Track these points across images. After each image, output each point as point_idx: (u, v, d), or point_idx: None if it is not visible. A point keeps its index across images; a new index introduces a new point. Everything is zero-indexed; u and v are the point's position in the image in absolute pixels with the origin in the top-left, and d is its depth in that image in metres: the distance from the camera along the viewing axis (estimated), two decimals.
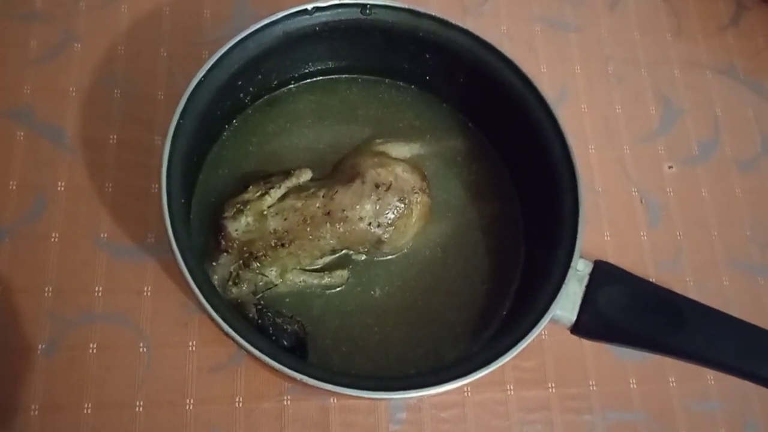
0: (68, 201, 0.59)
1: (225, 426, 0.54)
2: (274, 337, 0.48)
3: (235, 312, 0.48)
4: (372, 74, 0.60)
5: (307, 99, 0.58)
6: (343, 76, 0.59)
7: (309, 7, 0.51)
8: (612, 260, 0.51)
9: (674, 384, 0.62)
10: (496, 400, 0.58)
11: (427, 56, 0.56)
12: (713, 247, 0.67)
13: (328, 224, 0.50)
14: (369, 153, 0.54)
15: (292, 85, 0.58)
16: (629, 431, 0.59)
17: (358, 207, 0.51)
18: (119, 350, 0.55)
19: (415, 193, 0.52)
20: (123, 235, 0.58)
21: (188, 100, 0.46)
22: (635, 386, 0.61)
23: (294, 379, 0.42)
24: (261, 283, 0.51)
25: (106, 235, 0.58)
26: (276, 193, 0.51)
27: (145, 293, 0.57)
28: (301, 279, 0.52)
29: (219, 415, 0.54)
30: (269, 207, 0.51)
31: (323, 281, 0.52)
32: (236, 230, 0.51)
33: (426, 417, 0.56)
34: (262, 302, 0.50)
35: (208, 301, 0.43)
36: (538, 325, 0.45)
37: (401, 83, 0.60)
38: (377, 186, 0.51)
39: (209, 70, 0.47)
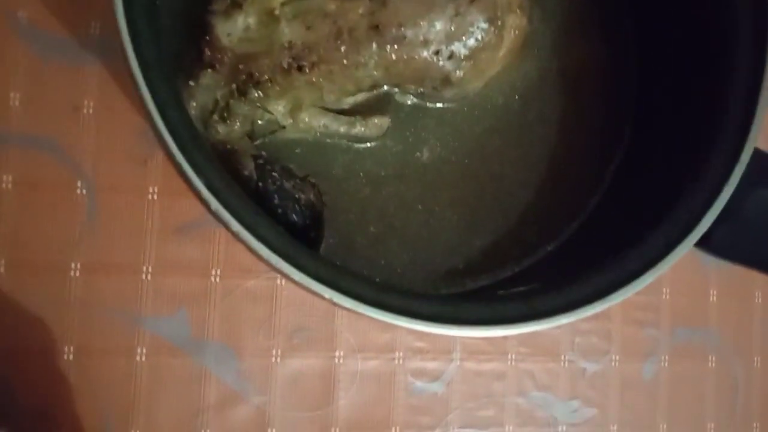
0: None
1: (195, 306, 0.40)
2: (279, 210, 0.32)
3: (220, 164, 0.32)
4: None
5: None
6: None
7: None
8: None
9: (760, 300, 0.50)
10: None
11: None
12: None
13: (374, 45, 0.32)
14: None
15: None
16: (697, 354, 0.48)
17: (423, 23, 0.32)
18: (47, 190, 0.38)
19: (512, 12, 0.34)
20: (52, 19, 0.39)
21: None
22: (715, 299, 0.49)
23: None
24: (261, 122, 0.34)
25: (26, 15, 0.39)
26: None
27: (84, 110, 0.39)
28: (322, 123, 0.35)
29: (187, 291, 0.40)
30: (283, 4, 0.32)
31: (353, 130, 0.35)
32: (229, 35, 0.32)
33: None
34: (263, 154, 0.33)
35: (175, 140, 0.26)
36: (675, 251, 0.30)
37: None
38: None
39: None
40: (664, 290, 0.47)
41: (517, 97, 0.39)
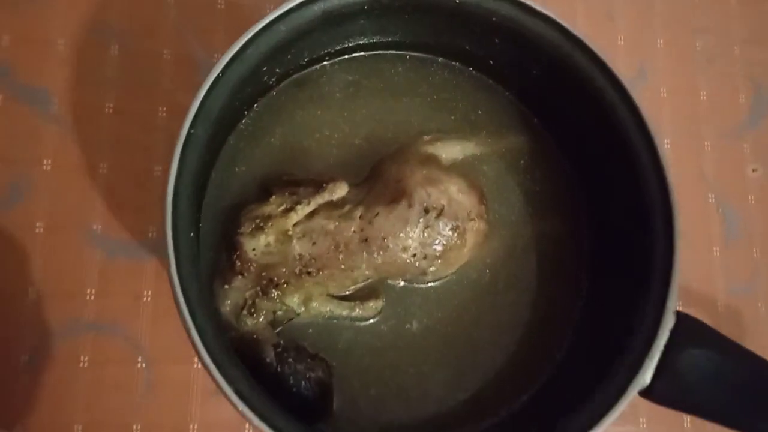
0: (54, 183, 0.50)
1: None
2: (294, 388, 0.40)
3: (250, 352, 0.41)
4: (423, 51, 0.49)
5: (343, 80, 0.48)
6: (389, 52, 0.49)
7: None
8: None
9: None
10: None
11: (497, 41, 0.45)
12: None
13: (364, 253, 0.42)
14: (415, 160, 0.45)
15: (326, 62, 0.48)
16: None
17: (402, 235, 0.42)
18: (113, 366, 0.48)
19: (471, 219, 0.43)
20: (119, 227, 0.50)
21: (200, 105, 0.37)
22: (688, 425, 0.54)
23: None
24: (280, 312, 0.43)
25: (99, 227, 0.50)
26: (304, 210, 0.42)
27: (144, 298, 0.49)
28: (328, 309, 0.44)
29: None
30: (295, 226, 0.42)
31: (354, 313, 0.44)
32: (254, 250, 0.42)
33: None
34: (282, 343, 0.42)
35: (213, 359, 0.36)
36: (614, 408, 0.38)
37: (457, 64, 0.49)
38: (426, 211, 0.42)
39: (227, 65, 0.37)
40: (641, 420, 0.54)
41: (487, 271, 0.47)
